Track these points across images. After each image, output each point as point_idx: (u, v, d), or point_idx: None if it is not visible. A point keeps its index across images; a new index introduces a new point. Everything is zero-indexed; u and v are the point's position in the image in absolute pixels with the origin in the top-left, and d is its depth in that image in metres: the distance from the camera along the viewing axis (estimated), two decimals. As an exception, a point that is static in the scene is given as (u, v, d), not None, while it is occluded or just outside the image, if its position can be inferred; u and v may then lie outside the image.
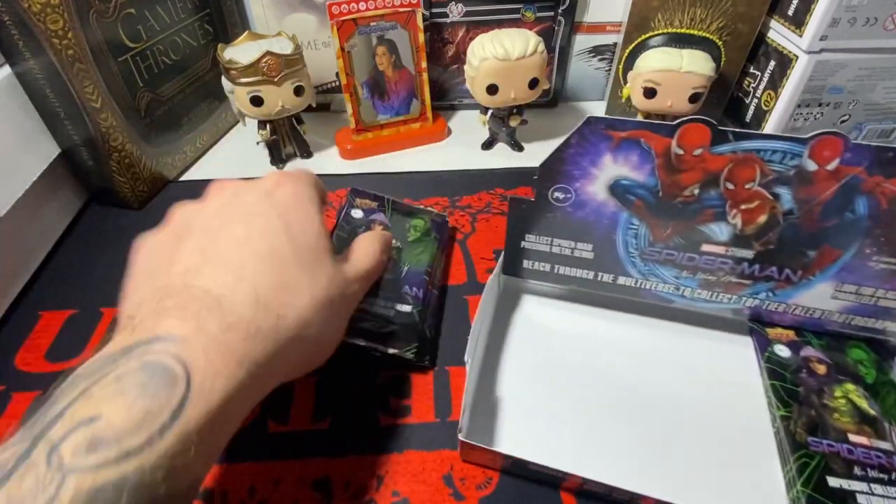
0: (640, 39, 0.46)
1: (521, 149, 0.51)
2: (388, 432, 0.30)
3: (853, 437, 0.26)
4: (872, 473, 0.24)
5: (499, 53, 0.43)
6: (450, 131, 0.53)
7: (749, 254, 0.29)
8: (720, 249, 0.29)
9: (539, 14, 0.50)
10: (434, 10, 0.49)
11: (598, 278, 0.33)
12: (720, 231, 0.29)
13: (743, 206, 0.28)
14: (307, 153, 0.50)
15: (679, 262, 0.30)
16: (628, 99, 0.46)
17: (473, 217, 0.43)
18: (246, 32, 0.45)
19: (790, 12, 0.43)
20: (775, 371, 0.29)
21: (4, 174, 0.37)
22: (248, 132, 0.50)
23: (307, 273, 0.24)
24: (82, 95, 0.38)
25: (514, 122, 0.49)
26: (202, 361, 0.19)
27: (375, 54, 0.47)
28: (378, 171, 0.49)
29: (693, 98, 0.43)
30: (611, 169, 0.28)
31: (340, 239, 0.36)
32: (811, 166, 0.26)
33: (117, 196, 0.44)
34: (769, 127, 0.47)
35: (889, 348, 0.31)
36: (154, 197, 0.46)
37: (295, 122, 0.48)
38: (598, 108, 0.56)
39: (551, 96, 0.56)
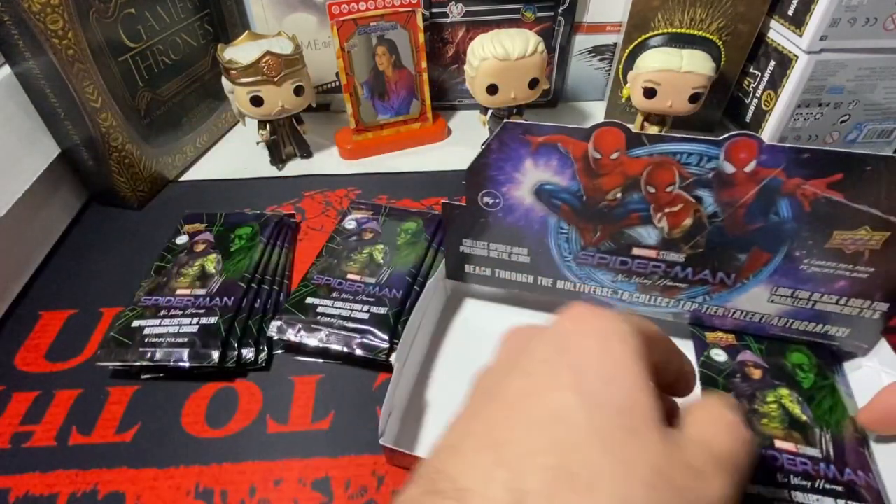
0: (640, 39, 0.46)
1: (521, 149, 0.51)
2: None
3: (779, 444, 0.26)
4: (795, 480, 0.24)
5: (499, 53, 0.43)
6: (450, 131, 0.53)
7: (680, 257, 0.28)
8: (651, 253, 0.29)
9: (539, 14, 0.50)
10: (434, 10, 0.49)
11: (538, 282, 0.32)
12: (648, 235, 0.28)
13: (667, 210, 0.27)
14: (307, 153, 0.50)
15: (612, 266, 0.30)
16: (628, 99, 0.46)
17: (473, 217, 0.43)
18: (246, 32, 0.45)
19: (790, 12, 0.43)
20: (708, 375, 0.29)
21: (4, 174, 0.37)
22: (247, 132, 0.50)
23: (610, 450, 0.14)
24: (82, 95, 0.38)
25: (514, 122, 0.49)
26: None
27: (375, 54, 0.47)
28: (378, 171, 0.49)
29: (693, 98, 0.43)
30: (533, 174, 0.28)
31: (331, 252, 0.36)
32: (729, 168, 0.25)
33: (117, 196, 0.44)
34: (769, 127, 0.47)
35: (834, 352, 0.30)
36: (154, 197, 0.46)
37: (295, 122, 0.48)
38: (598, 108, 0.56)
39: (551, 96, 0.56)
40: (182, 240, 0.38)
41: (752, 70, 0.48)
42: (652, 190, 0.27)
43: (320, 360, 0.33)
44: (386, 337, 0.32)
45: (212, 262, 0.36)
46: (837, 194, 0.25)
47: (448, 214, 0.32)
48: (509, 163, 0.28)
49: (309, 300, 0.34)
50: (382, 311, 0.33)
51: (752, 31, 0.46)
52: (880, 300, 0.27)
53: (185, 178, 0.48)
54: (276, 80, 0.42)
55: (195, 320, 0.32)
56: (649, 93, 0.44)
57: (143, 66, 0.43)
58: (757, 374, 0.29)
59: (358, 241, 0.38)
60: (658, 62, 0.43)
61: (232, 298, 0.34)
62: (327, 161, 0.50)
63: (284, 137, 0.48)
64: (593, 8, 0.50)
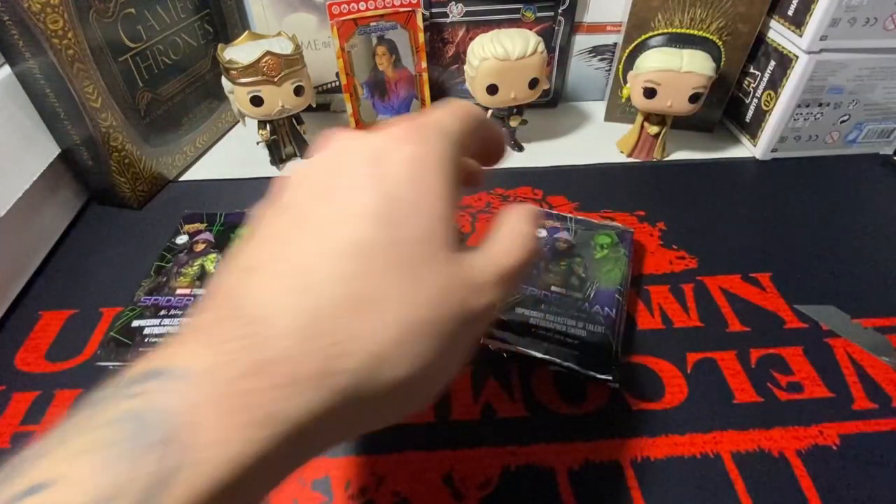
0: (640, 39, 0.46)
1: (521, 149, 0.51)
2: (388, 432, 0.29)
3: (554, 288, 0.34)
4: (553, 309, 0.33)
5: (499, 53, 0.43)
6: (450, 131, 0.53)
7: None
8: None
9: (539, 14, 0.50)
10: (434, 10, 0.49)
11: None
12: None
13: None
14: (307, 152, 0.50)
15: None
16: (628, 99, 0.46)
17: (474, 217, 0.43)
18: (246, 32, 0.45)
19: (790, 12, 0.43)
20: None
21: (4, 174, 0.37)
22: (247, 132, 0.50)
23: (405, 279, 0.16)
24: (82, 95, 0.38)
25: (514, 123, 0.49)
26: (210, 416, 0.13)
27: (375, 54, 0.47)
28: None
29: (693, 98, 0.43)
30: None
31: None
32: None
33: (117, 196, 0.44)
34: (769, 127, 0.47)
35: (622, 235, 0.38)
36: (154, 197, 0.46)
37: (295, 121, 0.48)
38: (598, 108, 0.56)
39: (551, 96, 0.56)
40: (182, 239, 0.38)
41: (752, 70, 0.48)
42: None
43: None
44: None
45: (212, 262, 0.36)
46: None
47: None
48: None
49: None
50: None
51: (752, 31, 0.46)
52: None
53: (184, 177, 0.48)
54: (276, 80, 0.42)
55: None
56: (649, 93, 0.44)
57: (143, 65, 0.43)
58: (564, 246, 0.37)
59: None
60: (658, 62, 0.43)
61: None
62: (327, 161, 0.50)
63: (284, 137, 0.48)
64: (593, 8, 0.50)
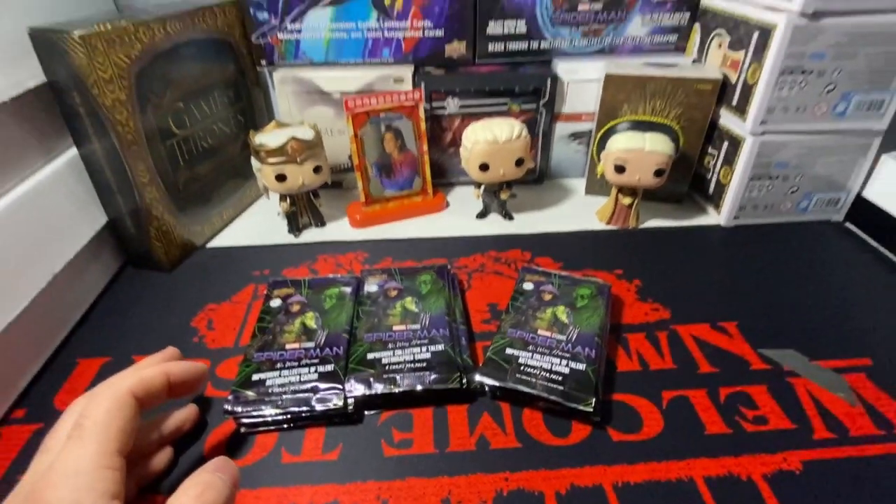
0: (609, 125, 0.54)
1: (511, 218, 0.57)
2: (391, 461, 0.33)
3: (541, 332, 0.39)
4: (540, 349, 0.37)
5: (489, 138, 0.50)
6: (448, 204, 0.60)
7: (598, 6, 0.55)
8: (586, 6, 0.55)
9: (523, 106, 0.58)
10: (434, 104, 0.58)
11: (530, 46, 0.57)
12: None
13: None
14: (321, 223, 0.56)
15: (567, 21, 0.56)
16: (603, 175, 0.53)
17: (469, 275, 0.48)
18: (273, 121, 0.53)
19: (734, 102, 0.51)
20: (516, 296, 0.43)
21: (59, 238, 0.43)
22: (266, 205, 0.57)
23: None
24: (135, 172, 0.45)
25: (504, 195, 0.55)
26: None
27: (384, 139, 0.54)
28: (383, 238, 0.54)
29: (657, 173, 0.50)
30: None
31: (367, 313, 0.41)
32: None
33: (152, 259, 0.49)
34: (729, 197, 0.54)
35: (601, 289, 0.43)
36: (183, 261, 0.51)
37: (312, 196, 0.54)
38: (579, 184, 0.63)
39: (538, 174, 0.63)
40: (276, 303, 0.42)
41: (710, 150, 0.56)
42: None
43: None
44: (455, 371, 0.36)
45: (311, 319, 0.40)
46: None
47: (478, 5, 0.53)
48: None
49: (370, 356, 0.37)
50: (440, 347, 0.38)
51: (705, 118, 0.54)
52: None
53: (211, 244, 0.54)
54: (298, 160, 0.50)
55: (312, 369, 0.36)
56: (619, 169, 0.51)
57: (184, 148, 0.50)
58: (548, 297, 0.42)
59: (387, 299, 0.42)
60: (625, 143, 0.50)
61: (341, 348, 0.38)
62: (339, 229, 0.56)
63: (302, 209, 0.55)
64: (570, 101, 0.59)
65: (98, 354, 0.41)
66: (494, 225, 0.56)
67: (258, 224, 0.58)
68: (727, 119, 0.53)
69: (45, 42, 0.39)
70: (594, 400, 0.34)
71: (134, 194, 0.46)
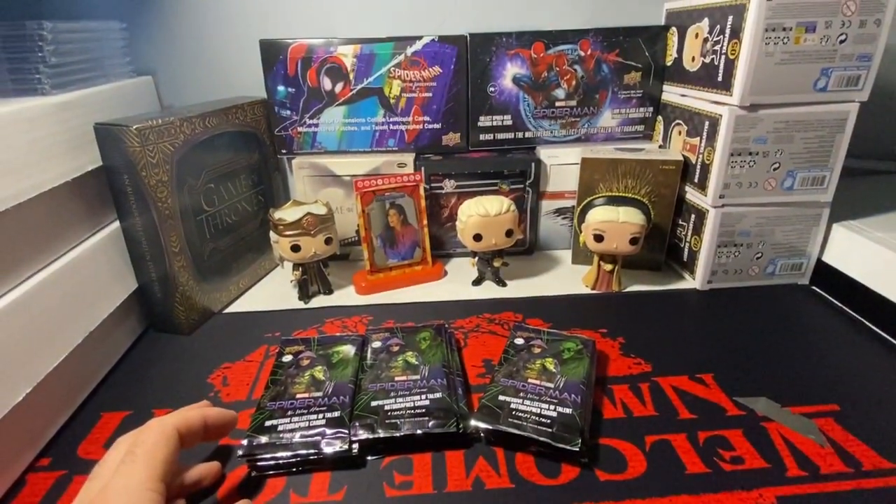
0: (587, 200, 0.60)
1: (504, 284, 0.62)
2: (392, 501, 0.35)
3: (531, 381, 0.42)
4: (530, 396, 0.41)
5: (481, 212, 0.57)
6: (446, 272, 0.65)
7: (573, 102, 0.65)
8: (562, 103, 0.65)
9: (512, 186, 0.66)
10: (432, 185, 0.65)
11: (515, 136, 0.67)
12: (559, 94, 0.65)
13: (565, 78, 0.63)
14: (329, 290, 0.61)
15: (548, 115, 0.65)
16: (584, 244, 0.59)
17: (466, 335, 0.52)
18: (291, 200, 0.59)
19: (696, 180, 0.58)
20: (509, 350, 0.47)
21: (94, 302, 0.47)
22: (279, 275, 0.62)
23: None
24: (168, 243, 0.50)
25: (497, 263, 0.61)
26: None
27: (388, 215, 0.61)
28: (387, 303, 0.59)
29: (632, 241, 0.56)
30: (510, 70, 0.62)
31: (371, 366, 0.45)
32: (581, 53, 0.61)
33: (173, 323, 0.54)
34: (701, 264, 0.59)
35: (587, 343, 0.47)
36: (202, 325, 0.56)
37: (322, 265, 0.60)
38: (565, 254, 0.69)
39: (527, 246, 0.69)
40: (287, 358, 0.46)
41: (680, 222, 0.62)
42: (557, 69, 0.62)
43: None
44: (452, 417, 0.39)
45: (320, 372, 0.44)
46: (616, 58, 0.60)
47: (470, 101, 0.64)
48: (498, 67, 0.61)
49: (373, 403, 0.41)
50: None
51: (672, 194, 0.61)
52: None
53: (228, 310, 0.59)
54: (312, 233, 0.56)
55: (320, 415, 0.39)
56: (598, 238, 0.57)
57: (212, 224, 0.57)
58: (538, 350, 0.46)
59: (389, 354, 0.46)
60: (602, 215, 0.57)
61: (347, 396, 0.41)
62: (345, 296, 0.61)
63: (313, 277, 0.60)
64: (553, 181, 0.66)
65: (120, 409, 0.44)
66: (489, 290, 0.61)
67: (271, 292, 0.62)
68: (692, 194, 0.60)
69: (107, 134, 0.47)
70: (580, 441, 0.37)
71: (165, 262, 0.51)
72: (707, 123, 0.55)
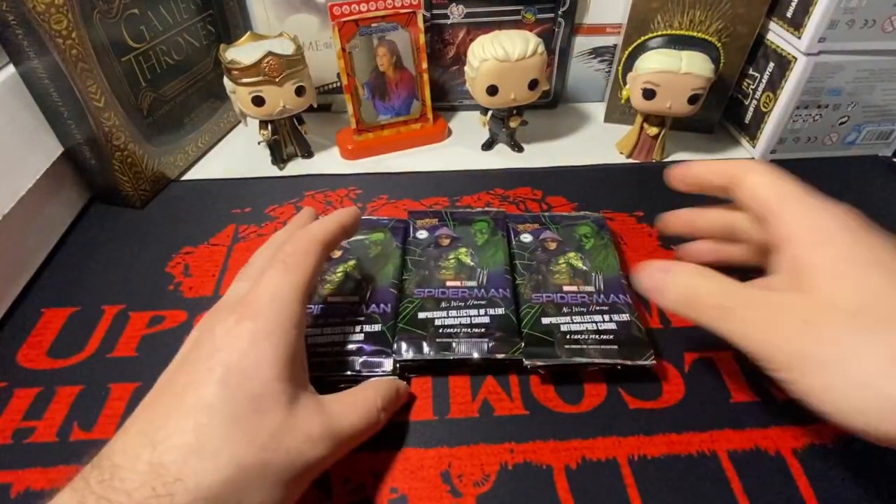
0: (639, 41, 0.46)
1: (521, 149, 0.51)
2: (386, 429, 0.30)
3: (566, 288, 0.34)
4: (576, 310, 0.33)
5: (499, 54, 0.43)
6: (450, 132, 0.54)
7: None
8: None
9: (539, 16, 0.50)
10: (435, 12, 0.50)
11: None
12: None
13: None
14: (308, 153, 0.51)
15: None
16: (628, 100, 0.46)
17: (473, 217, 0.43)
18: (248, 33, 0.45)
19: (789, 14, 0.43)
20: (519, 253, 0.37)
21: (7, 173, 0.37)
22: (249, 132, 0.51)
23: (239, 429, 0.21)
24: (86, 95, 0.38)
25: (513, 123, 0.49)
26: None
27: (376, 55, 0.47)
28: (379, 171, 0.49)
29: (692, 99, 0.43)
30: None
31: (416, 263, 0.37)
32: None
33: (120, 195, 0.44)
34: (768, 128, 0.47)
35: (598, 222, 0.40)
36: (156, 196, 0.46)
37: (296, 121, 0.48)
38: (598, 109, 0.56)
39: (551, 97, 0.56)
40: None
41: (751, 72, 0.49)
42: None
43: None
44: (516, 339, 0.32)
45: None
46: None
47: None
48: None
49: (420, 315, 0.33)
50: (500, 311, 0.33)
51: (751, 33, 0.46)
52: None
53: (186, 177, 0.49)
54: (277, 80, 0.43)
55: (358, 328, 0.33)
56: (648, 94, 0.44)
57: (145, 66, 0.43)
58: (553, 245, 0.38)
59: (438, 249, 0.37)
60: (657, 63, 0.43)
61: (389, 305, 0.34)
62: (328, 161, 0.50)
63: (286, 137, 0.49)
64: (593, 10, 0.50)
65: (64, 304, 0.37)
66: (501, 157, 0.51)
67: (239, 153, 0.52)
68: (777, 35, 0.45)
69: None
70: (651, 352, 0.31)
71: (88, 120, 0.40)
72: (830, -75, 0.38)
